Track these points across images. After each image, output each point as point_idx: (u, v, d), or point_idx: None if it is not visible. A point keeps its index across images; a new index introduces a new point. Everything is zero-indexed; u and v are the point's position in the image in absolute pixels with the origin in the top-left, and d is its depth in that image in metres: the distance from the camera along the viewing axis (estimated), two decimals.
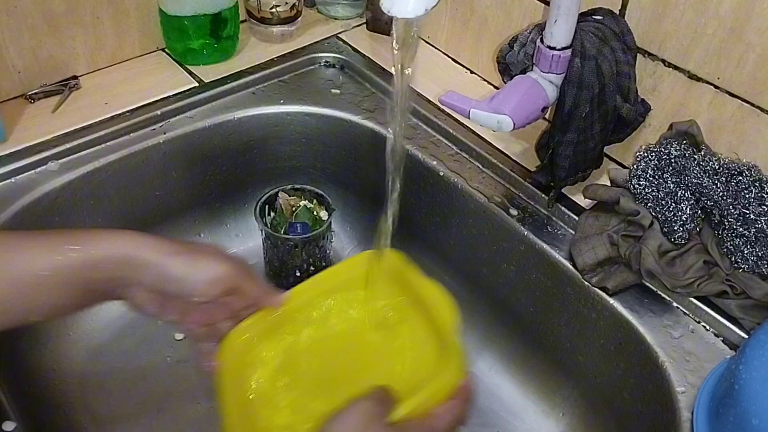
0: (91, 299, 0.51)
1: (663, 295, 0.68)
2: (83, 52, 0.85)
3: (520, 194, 0.78)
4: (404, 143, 0.77)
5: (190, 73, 0.89)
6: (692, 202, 0.65)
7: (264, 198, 0.88)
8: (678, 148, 0.67)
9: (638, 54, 0.72)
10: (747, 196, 0.63)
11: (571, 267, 0.70)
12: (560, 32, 0.64)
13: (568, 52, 0.65)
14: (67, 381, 0.79)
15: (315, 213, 0.89)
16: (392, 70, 0.50)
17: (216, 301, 0.53)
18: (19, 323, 0.49)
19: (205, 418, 0.78)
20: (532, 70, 0.68)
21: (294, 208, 0.90)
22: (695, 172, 0.65)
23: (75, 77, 0.85)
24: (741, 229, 0.63)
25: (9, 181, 0.75)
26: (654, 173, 0.67)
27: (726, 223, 0.64)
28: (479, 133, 0.83)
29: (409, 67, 0.50)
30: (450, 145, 0.84)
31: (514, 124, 0.65)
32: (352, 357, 0.58)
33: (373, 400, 0.46)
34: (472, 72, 0.92)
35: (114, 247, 0.50)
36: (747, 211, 0.63)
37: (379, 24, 0.98)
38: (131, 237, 0.51)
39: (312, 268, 0.90)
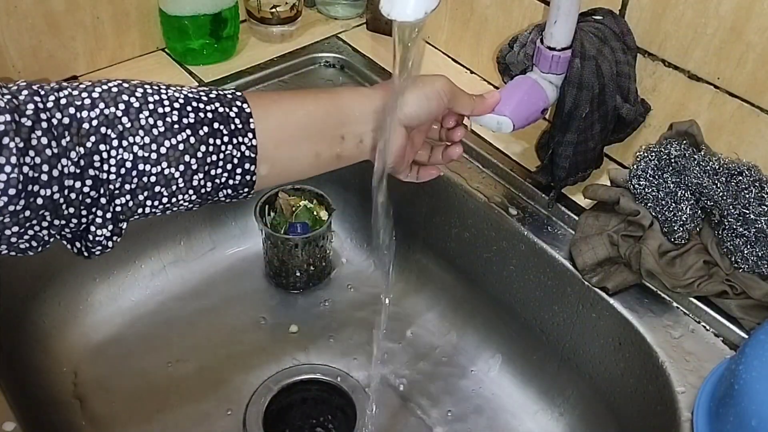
0: (338, 150, 0.57)
1: (663, 295, 0.68)
2: (83, 52, 0.85)
3: (520, 194, 0.78)
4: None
5: (190, 73, 0.89)
6: (692, 202, 0.65)
7: (264, 198, 0.88)
8: (678, 148, 0.67)
9: (638, 54, 0.72)
10: (747, 196, 0.63)
11: (571, 267, 0.70)
12: (560, 33, 0.64)
13: (568, 52, 0.65)
14: (67, 381, 0.79)
15: (315, 213, 0.89)
16: (391, 71, 0.50)
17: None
18: (282, 179, 0.54)
19: (204, 418, 0.78)
20: (532, 70, 0.68)
21: (294, 208, 0.90)
22: (695, 172, 0.65)
23: (75, 77, 0.85)
24: (741, 229, 0.63)
25: None
26: (654, 173, 0.67)
27: (726, 223, 0.64)
28: (479, 133, 0.83)
29: (415, 71, 0.50)
30: None
31: (514, 125, 0.65)
32: None
33: None
34: (472, 72, 0.92)
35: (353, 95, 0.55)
36: (747, 211, 0.63)
37: (379, 24, 0.98)
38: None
39: (312, 268, 0.90)
